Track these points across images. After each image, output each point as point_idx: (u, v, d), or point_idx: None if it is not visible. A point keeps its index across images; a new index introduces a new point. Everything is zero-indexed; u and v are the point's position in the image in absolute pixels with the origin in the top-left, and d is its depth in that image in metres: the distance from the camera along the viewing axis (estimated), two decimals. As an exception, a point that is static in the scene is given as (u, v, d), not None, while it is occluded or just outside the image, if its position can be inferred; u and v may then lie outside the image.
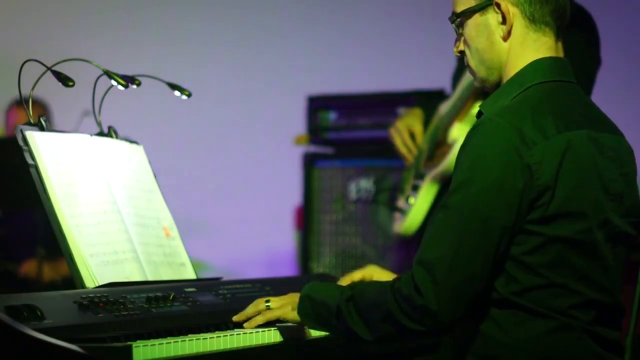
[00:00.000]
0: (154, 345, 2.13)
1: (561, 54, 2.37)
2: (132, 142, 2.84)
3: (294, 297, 2.42)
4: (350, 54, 6.20)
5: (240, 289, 2.65)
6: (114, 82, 2.74)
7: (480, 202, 2.18)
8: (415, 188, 3.85)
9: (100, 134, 2.80)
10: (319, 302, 2.36)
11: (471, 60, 2.38)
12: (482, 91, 2.77)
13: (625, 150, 2.35)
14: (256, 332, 2.38)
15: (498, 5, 2.31)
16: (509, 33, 2.31)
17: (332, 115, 4.98)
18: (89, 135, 2.71)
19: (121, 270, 2.56)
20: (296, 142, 5.17)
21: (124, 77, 2.75)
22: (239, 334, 2.35)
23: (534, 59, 2.31)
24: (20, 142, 2.52)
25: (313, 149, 5.05)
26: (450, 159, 3.64)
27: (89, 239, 2.52)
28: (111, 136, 2.80)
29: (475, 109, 2.84)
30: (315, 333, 2.47)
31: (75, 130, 3.03)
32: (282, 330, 2.43)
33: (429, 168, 3.80)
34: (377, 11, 6.18)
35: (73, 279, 2.49)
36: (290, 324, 2.43)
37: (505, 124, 2.21)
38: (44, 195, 2.50)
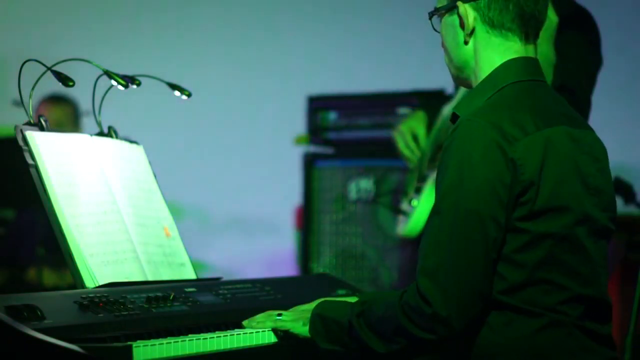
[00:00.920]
0: (154, 345, 2.13)
1: (532, 56, 2.38)
2: (132, 142, 2.84)
3: (305, 313, 2.42)
4: (350, 54, 6.20)
5: (240, 289, 2.65)
6: (114, 82, 2.74)
7: (474, 201, 2.19)
8: (419, 190, 3.84)
9: (100, 134, 2.80)
10: (330, 319, 2.36)
11: (445, 58, 2.43)
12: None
13: (599, 147, 2.38)
14: (256, 332, 2.38)
15: (457, 9, 2.34)
16: (470, 36, 2.34)
17: (332, 115, 4.98)
18: (89, 135, 2.71)
19: (121, 270, 2.56)
20: (296, 142, 5.16)
21: (124, 77, 2.75)
22: (239, 334, 2.35)
23: (503, 61, 2.34)
24: (20, 142, 2.52)
25: (313, 149, 5.05)
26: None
27: (89, 239, 2.52)
28: (111, 136, 2.80)
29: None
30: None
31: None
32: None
33: (432, 170, 3.79)
34: (377, 11, 6.17)
35: (73, 279, 2.49)
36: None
37: (484, 122, 2.22)
38: (44, 195, 2.50)
